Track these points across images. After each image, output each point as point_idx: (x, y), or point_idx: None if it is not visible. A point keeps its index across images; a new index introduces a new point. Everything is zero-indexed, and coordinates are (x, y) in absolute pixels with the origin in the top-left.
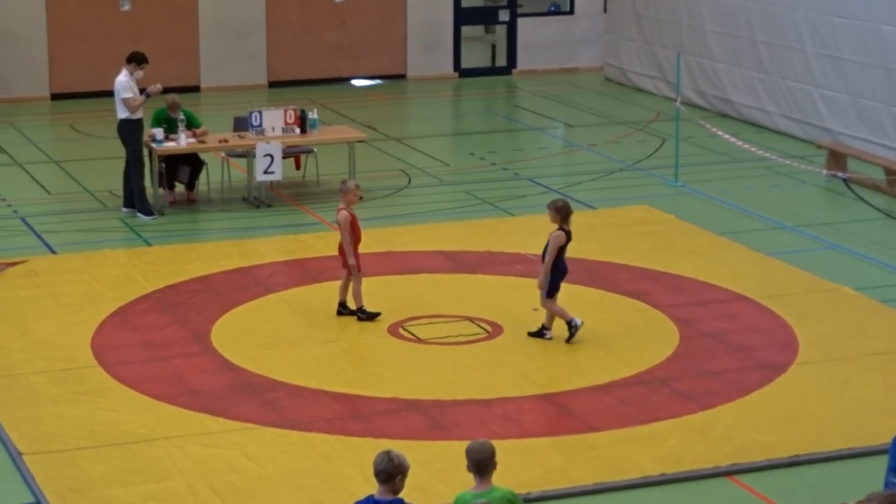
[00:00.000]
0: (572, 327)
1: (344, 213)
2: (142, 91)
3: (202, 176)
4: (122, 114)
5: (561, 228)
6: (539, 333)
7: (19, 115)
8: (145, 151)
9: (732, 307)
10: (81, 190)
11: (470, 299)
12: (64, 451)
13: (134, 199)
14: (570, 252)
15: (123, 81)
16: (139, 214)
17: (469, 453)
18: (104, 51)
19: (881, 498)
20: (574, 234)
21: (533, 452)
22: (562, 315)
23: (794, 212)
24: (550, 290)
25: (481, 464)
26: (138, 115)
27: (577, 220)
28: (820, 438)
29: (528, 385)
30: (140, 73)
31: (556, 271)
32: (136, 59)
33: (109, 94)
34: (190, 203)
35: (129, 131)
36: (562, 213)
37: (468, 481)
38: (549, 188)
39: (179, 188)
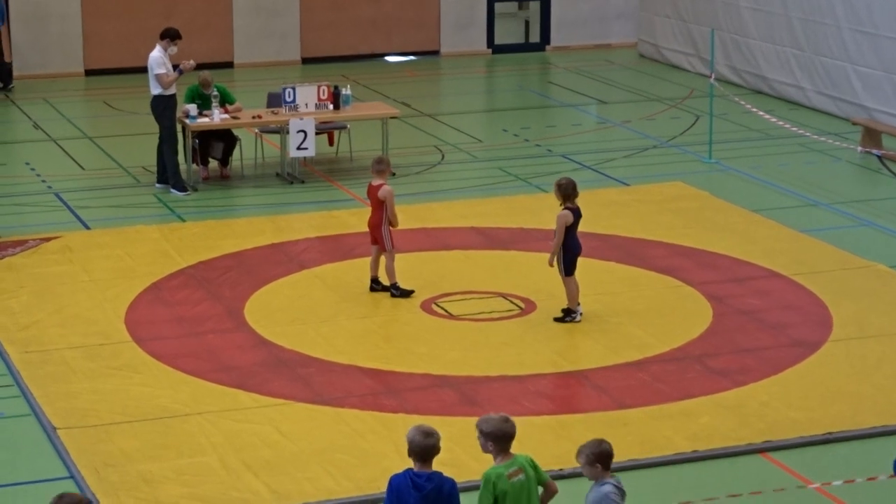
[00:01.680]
0: (568, 315)
1: (389, 188)
2: (175, 67)
3: (235, 152)
4: (156, 90)
5: (567, 207)
6: (563, 318)
7: (54, 90)
8: (179, 127)
9: (766, 284)
10: (115, 166)
11: (503, 275)
12: (98, 425)
13: (167, 174)
14: (603, 228)
15: (157, 57)
16: (172, 190)
17: (493, 431)
18: (138, 26)
19: (593, 446)
20: (608, 211)
21: (565, 429)
22: (571, 297)
23: (829, 188)
24: (567, 270)
25: (506, 439)
26: (171, 90)
27: (611, 198)
28: (854, 416)
29: (560, 361)
30: (174, 49)
31: (569, 250)
32: (170, 35)
33: (144, 69)
34: (223, 179)
35: (163, 107)
36: (565, 191)
37: None
38: (582, 164)
39: (213, 164)
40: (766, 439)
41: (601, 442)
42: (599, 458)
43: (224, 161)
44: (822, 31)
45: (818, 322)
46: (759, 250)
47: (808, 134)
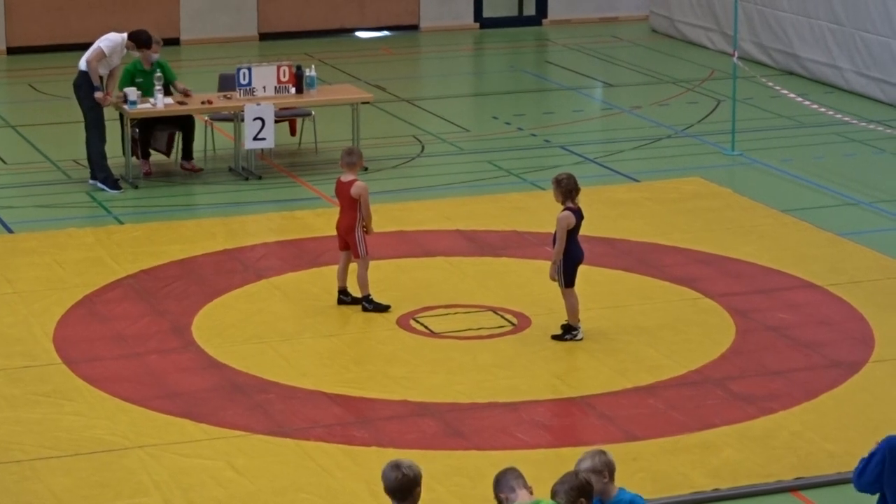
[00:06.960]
0: (568, 332)
1: (363, 184)
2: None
3: (178, 143)
4: (86, 65)
5: (567, 207)
6: (562, 336)
7: None
8: (116, 114)
9: (798, 296)
10: (42, 159)
11: (492, 286)
12: (23, 461)
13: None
14: (610, 231)
15: (116, 40)
16: (100, 186)
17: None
18: None
19: (571, 480)
20: (616, 211)
21: (566, 464)
22: (572, 312)
23: (871, 185)
24: (567, 280)
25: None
26: (101, 71)
27: (619, 196)
28: None
29: (559, 386)
30: (136, 55)
31: (569, 258)
32: (142, 42)
33: (75, 47)
34: (194, 173)
35: (89, 86)
36: (565, 189)
37: (491, 496)
38: (584, 157)
39: (157, 157)
40: (798, 476)
41: (577, 473)
42: (582, 491)
43: (187, 152)
44: (864, 1)
45: (858, 340)
46: (790, 257)
47: (847, 121)
